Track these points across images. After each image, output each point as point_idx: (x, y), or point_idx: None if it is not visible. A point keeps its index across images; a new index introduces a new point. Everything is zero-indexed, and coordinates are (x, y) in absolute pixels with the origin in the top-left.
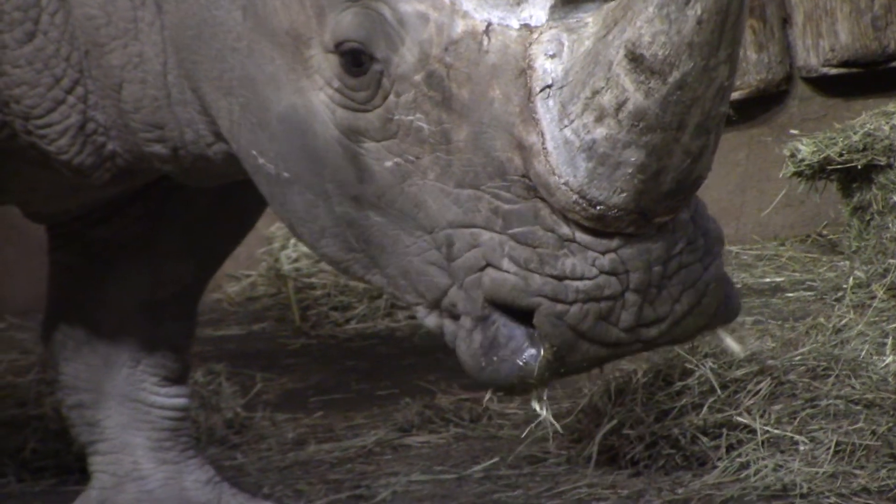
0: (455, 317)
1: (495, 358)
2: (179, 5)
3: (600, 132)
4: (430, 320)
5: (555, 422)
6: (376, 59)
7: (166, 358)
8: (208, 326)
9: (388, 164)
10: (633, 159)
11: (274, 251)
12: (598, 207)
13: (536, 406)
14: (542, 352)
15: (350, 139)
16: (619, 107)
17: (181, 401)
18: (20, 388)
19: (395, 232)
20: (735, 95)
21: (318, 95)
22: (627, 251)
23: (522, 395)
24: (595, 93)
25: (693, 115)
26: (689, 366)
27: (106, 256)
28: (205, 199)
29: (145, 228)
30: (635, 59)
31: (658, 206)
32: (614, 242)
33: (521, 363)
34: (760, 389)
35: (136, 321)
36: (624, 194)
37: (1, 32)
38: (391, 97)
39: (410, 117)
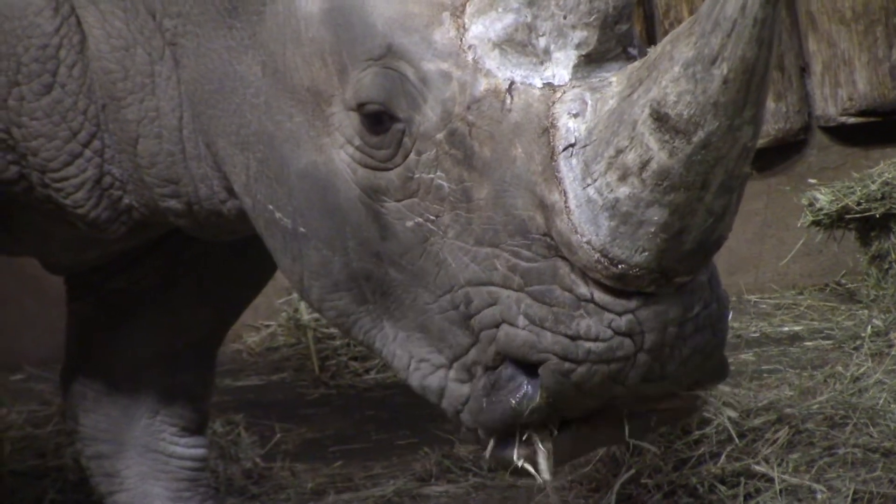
0: (465, 379)
1: (494, 398)
2: (198, 60)
3: (624, 191)
4: (433, 380)
5: (546, 473)
6: (398, 118)
7: (185, 408)
8: (228, 376)
9: (410, 223)
10: (656, 218)
11: (293, 301)
12: (619, 266)
13: (542, 467)
14: (537, 397)
15: (371, 198)
16: (643, 166)
17: (200, 451)
18: (40, 438)
19: (415, 289)
20: (757, 142)
21: (339, 153)
22: (645, 312)
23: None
24: (619, 152)
25: (717, 175)
26: (707, 414)
27: (124, 307)
28: (222, 250)
29: (163, 279)
30: (660, 118)
31: (679, 266)
32: (633, 303)
33: (513, 403)
34: (778, 438)
35: (154, 371)
36: (646, 253)
37: (19, 84)
38: (412, 155)
39: (431, 175)
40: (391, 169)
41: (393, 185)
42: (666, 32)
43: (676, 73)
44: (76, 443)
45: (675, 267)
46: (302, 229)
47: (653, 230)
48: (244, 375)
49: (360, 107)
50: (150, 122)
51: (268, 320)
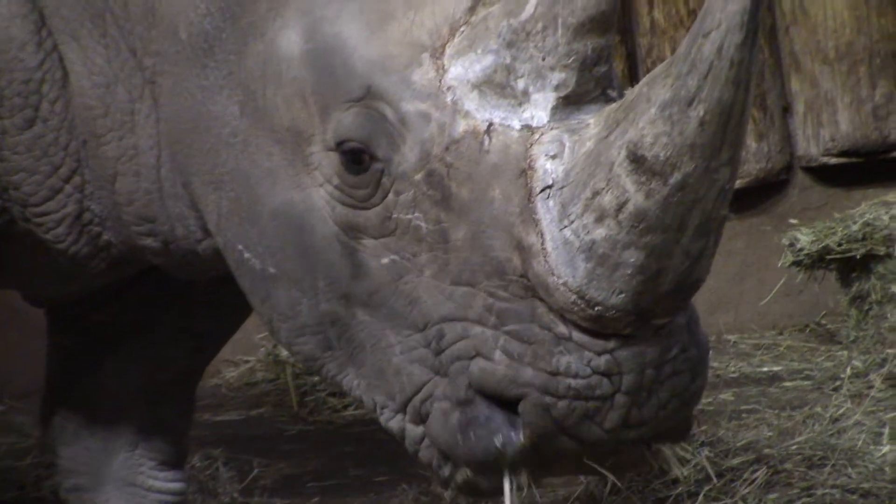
0: (421, 420)
1: (472, 435)
2: (173, 98)
3: (600, 233)
4: (394, 423)
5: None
6: (377, 158)
7: (164, 442)
8: (206, 411)
9: (385, 260)
10: (632, 260)
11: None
12: (596, 308)
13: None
14: (521, 437)
15: (348, 235)
16: (620, 208)
17: (178, 485)
18: (19, 471)
19: (380, 331)
20: (735, 184)
21: (318, 192)
22: (623, 353)
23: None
24: (596, 193)
25: (694, 217)
26: (685, 454)
27: (105, 340)
28: (203, 284)
29: (144, 312)
30: (637, 160)
31: (656, 308)
32: (611, 343)
33: (497, 444)
34: (756, 478)
35: (134, 405)
36: (623, 295)
37: (1, 118)
38: (391, 195)
39: (409, 216)
40: (370, 208)
41: (371, 223)
42: (647, 71)
43: (653, 114)
44: (55, 475)
45: (652, 309)
46: (272, 270)
47: (629, 272)
48: (223, 410)
49: (339, 145)
50: (129, 159)
51: (247, 355)
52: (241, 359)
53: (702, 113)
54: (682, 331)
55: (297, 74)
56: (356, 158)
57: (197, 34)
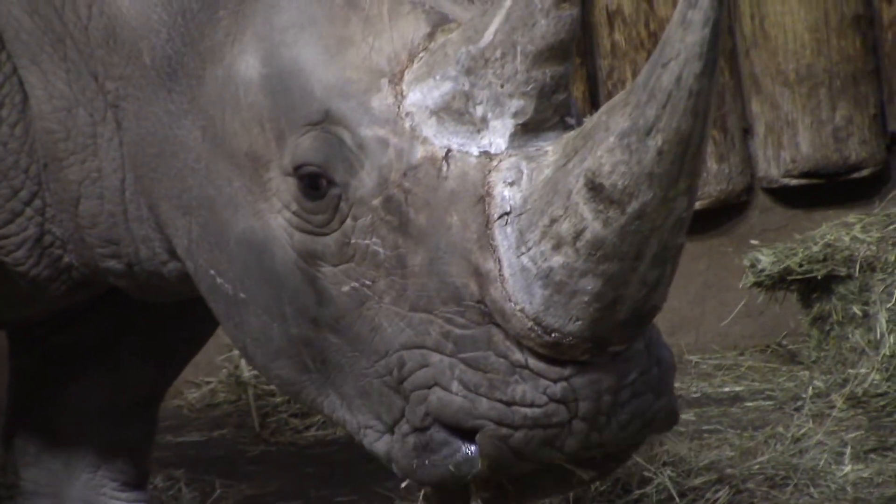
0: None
1: (427, 461)
2: (139, 123)
3: (557, 260)
4: (381, 445)
5: None
6: (335, 183)
7: (126, 463)
8: (168, 432)
9: (346, 288)
10: (589, 288)
11: (234, 358)
12: (553, 335)
13: None
14: (478, 464)
15: (308, 263)
16: (577, 235)
17: None
18: None
19: (353, 354)
20: (696, 206)
21: (277, 218)
22: (579, 380)
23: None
24: (553, 221)
25: (651, 246)
26: (647, 474)
27: (67, 362)
28: (165, 306)
29: (106, 334)
30: (594, 188)
31: (613, 336)
32: (567, 370)
33: (452, 469)
34: (719, 498)
35: (96, 426)
36: (579, 322)
37: None
38: (348, 221)
39: (367, 241)
40: (328, 234)
41: (329, 250)
42: (609, 93)
43: (611, 143)
44: (16, 497)
45: (609, 336)
46: (242, 295)
47: (586, 300)
48: (185, 431)
49: (297, 170)
50: (92, 182)
51: (208, 377)
52: (203, 380)
53: (660, 142)
54: (641, 355)
55: (255, 99)
56: (314, 183)
57: (160, 59)
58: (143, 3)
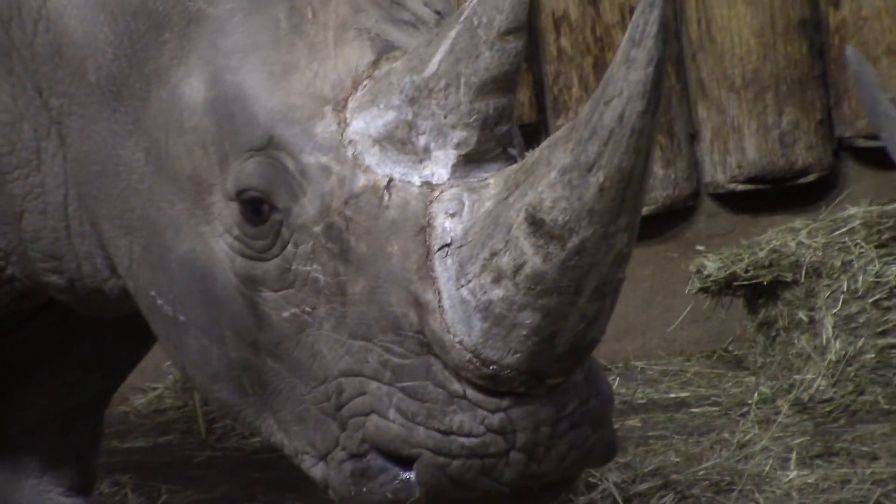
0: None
1: (365, 488)
2: (82, 141)
3: (497, 293)
4: (317, 471)
5: None
6: (276, 208)
7: (72, 469)
8: (115, 438)
9: (286, 314)
10: (528, 321)
11: None
12: (491, 367)
13: None
14: (416, 492)
15: (248, 287)
16: (517, 269)
17: None
18: None
19: (292, 379)
20: (642, 211)
21: (218, 242)
22: (517, 411)
23: None
24: (493, 254)
25: (590, 281)
26: (592, 479)
27: (13, 367)
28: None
29: (56, 338)
30: (535, 223)
31: (551, 368)
32: (505, 402)
33: (390, 496)
34: None
35: (44, 431)
36: (518, 355)
37: None
38: (289, 247)
39: (308, 268)
40: (269, 259)
41: (270, 275)
42: (555, 98)
43: (553, 178)
44: None
45: (547, 369)
46: (182, 317)
47: (525, 333)
48: (131, 437)
49: (239, 194)
50: (35, 197)
51: (155, 382)
52: (150, 386)
53: (601, 179)
54: (580, 387)
55: (199, 123)
56: (255, 208)
57: (106, 78)
58: (90, 21)
